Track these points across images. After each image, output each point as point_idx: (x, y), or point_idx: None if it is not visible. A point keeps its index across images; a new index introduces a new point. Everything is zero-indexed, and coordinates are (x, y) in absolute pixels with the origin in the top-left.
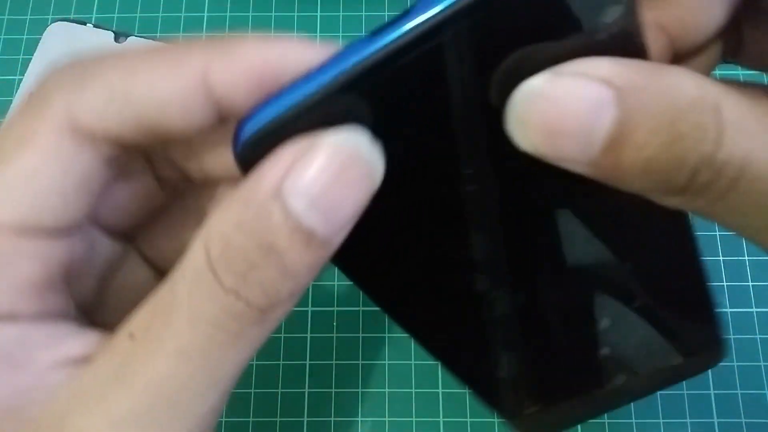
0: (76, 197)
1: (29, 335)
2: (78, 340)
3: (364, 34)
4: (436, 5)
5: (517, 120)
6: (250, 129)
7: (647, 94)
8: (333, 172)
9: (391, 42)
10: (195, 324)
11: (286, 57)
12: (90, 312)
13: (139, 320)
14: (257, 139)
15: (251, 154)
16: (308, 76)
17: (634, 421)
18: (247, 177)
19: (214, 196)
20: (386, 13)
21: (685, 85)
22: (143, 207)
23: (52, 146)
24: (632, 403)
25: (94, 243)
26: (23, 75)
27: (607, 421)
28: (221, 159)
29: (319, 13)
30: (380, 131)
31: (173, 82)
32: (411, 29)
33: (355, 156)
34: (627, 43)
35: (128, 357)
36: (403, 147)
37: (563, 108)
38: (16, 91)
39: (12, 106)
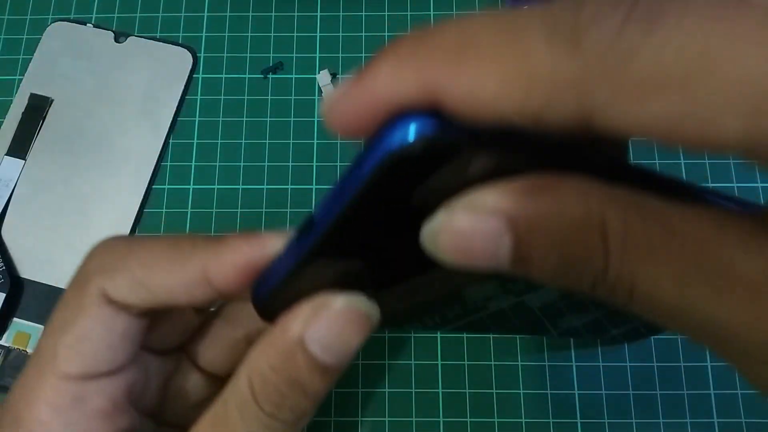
0: (121, 345)
1: None
2: None
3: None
4: (345, 194)
5: (432, 247)
6: (261, 291)
7: (535, 218)
8: (341, 326)
9: (326, 224)
10: None
11: (263, 250)
12: (155, 415)
13: (205, 431)
14: (269, 296)
15: (266, 307)
16: (285, 256)
17: (634, 421)
18: (274, 326)
19: (243, 308)
20: (386, 13)
21: (569, 204)
22: (186, 330)
23: (96, 316)
24: (632, 403)
25: (150, 366)
26: (23, 75)
27: (607, 421)
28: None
29: (319, 13)
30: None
31: (180, 277)
32: (334, 217)
33: (356, 312)
34: (507, 168)
35: None
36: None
37: (466, 238)
38: (16, 91)
39: (12, 106)
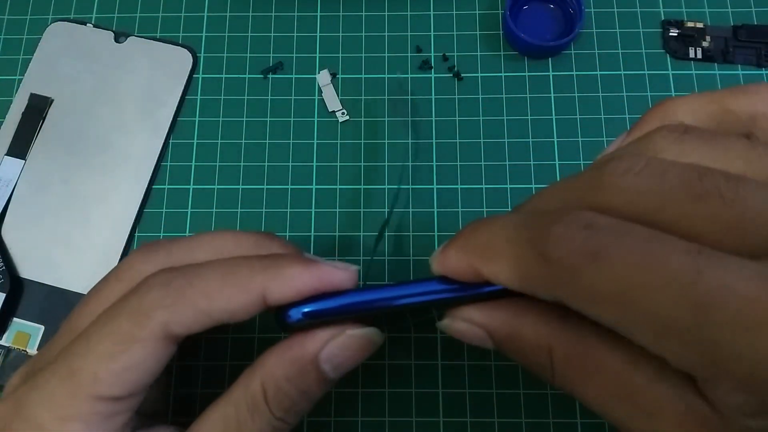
0: (161, 370)
1: None
2: None
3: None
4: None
5: (445, 331)
6: (296, 311)
7: (504, 335)
8: (353, 351)
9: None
10: None
11: (321, 280)
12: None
13: (214, 428)
14: (301, 320)
15: (292, 325)
16: (335, 298)
17: None
18: (292, 340)
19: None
20: (386, 13)
21: (526, 331)
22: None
23: (152, 349)
24: None
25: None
26: (23, 75)
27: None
28: None
29: (319, 13)
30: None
31: (242, 302)
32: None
33: (369, 340)
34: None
35: None
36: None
37: (464, 335)
38: (16, 91)
39: (12, 106)
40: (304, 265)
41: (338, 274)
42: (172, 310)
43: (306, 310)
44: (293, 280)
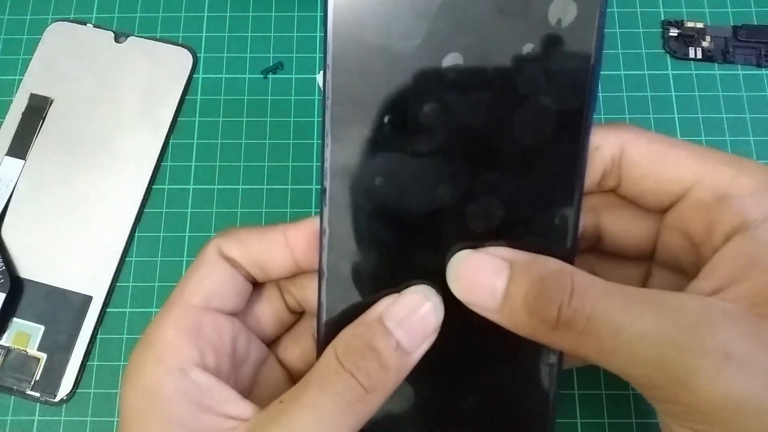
0: (231, 291)
1: (214, 388)
2: (242, 406)
3: None
4: None
5: (452, 278)
6: None
7: (527, 265)
8: (411, 309)
9: None
10: (324, 390)
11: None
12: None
13: (288, 393)
14: None
15: None
16: None
17: (633, 421)
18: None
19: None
20: None
21: (551, 262)
22: (278, 324)
23: (214, 263)
24: (632, 403)
25: (249, 339)
26: (23, 75)
27: (606, 421)
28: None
29: (318, 13)
30: None
31: (268, 239)
32: None
33: (425, 303)
34: None
35: (278, 414)
36: None
37: (478, 271)
38: (16, 91)
39: (12, 106)
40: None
41: None
42: (223, 237)
43: None
44: (307, 224)
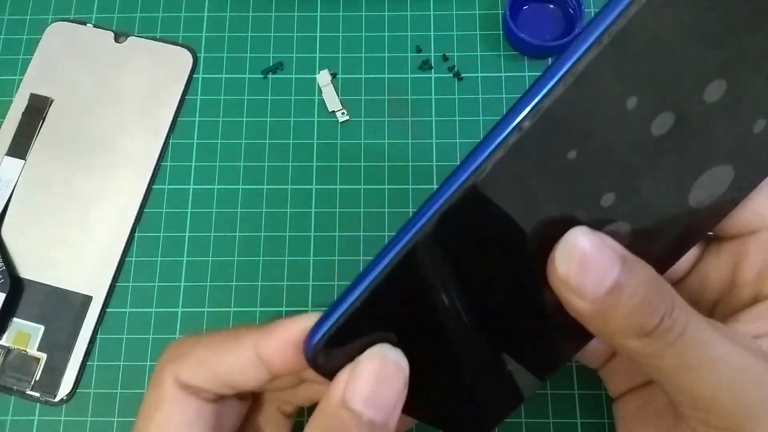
0: (197, 425)
1: None
2: None
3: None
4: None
5: (562, 252)
6: (310, 345)
7: (638, 266)
8: (372, 378)
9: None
10: None
11: (306, 325)
12: None
13: None
14: (317, 350)
15: (318, 362)
16: (332, 311)
17: None
18: (329, 386)
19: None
20: (386, 13)
21: (652, 270)
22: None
23: (172, 399)
24: None
25: None
26: (23, 75)
27: (606, 421)
28: (308, 392)
29: (319, 13)
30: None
31: (236, 355)
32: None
33: (384, 362)
34: None
35: None
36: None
37: (593, 255)
38: (16, 91)
39: (12, 106)
40: (290, 320)
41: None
42: (179, 361)
43: (314, 336)
44: (279, 332)
